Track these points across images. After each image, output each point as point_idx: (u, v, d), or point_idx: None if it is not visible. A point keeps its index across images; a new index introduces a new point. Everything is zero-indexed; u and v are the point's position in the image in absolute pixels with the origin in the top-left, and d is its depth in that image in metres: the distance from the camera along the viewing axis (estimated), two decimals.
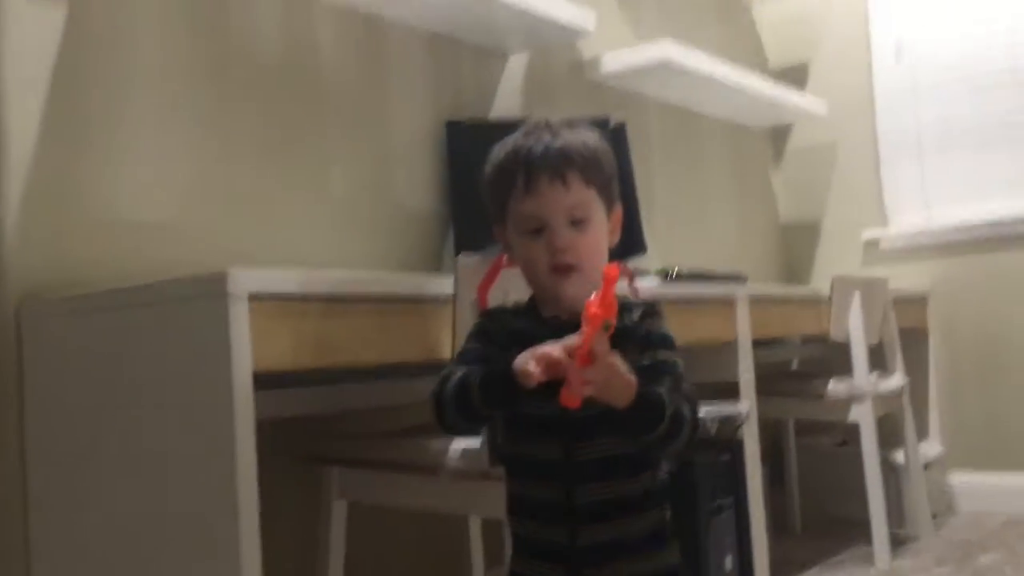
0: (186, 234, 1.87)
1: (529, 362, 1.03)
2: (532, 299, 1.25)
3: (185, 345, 1.35)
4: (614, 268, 1.03)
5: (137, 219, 1.79)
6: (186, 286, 1.34)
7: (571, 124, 1.23)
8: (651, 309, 1.21)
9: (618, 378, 1.05)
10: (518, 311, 1.25)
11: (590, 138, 1.22)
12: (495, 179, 1.22)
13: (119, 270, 1.72)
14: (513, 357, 1.06)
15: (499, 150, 1.23)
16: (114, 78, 1.78)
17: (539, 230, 1.18)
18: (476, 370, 1.15)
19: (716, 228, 3.51)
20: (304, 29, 2.14)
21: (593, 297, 1.02)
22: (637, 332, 1.17)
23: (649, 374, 1.12)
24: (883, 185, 3.65)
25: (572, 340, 1.03)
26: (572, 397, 1.02)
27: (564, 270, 1.17)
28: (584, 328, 1.01)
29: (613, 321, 1.01)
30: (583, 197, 1.18)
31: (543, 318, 1.21)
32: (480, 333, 1.24)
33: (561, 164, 1.17)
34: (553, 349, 1.03)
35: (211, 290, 1.29)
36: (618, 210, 1.26)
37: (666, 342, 1.19)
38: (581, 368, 1.01)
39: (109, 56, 1.77)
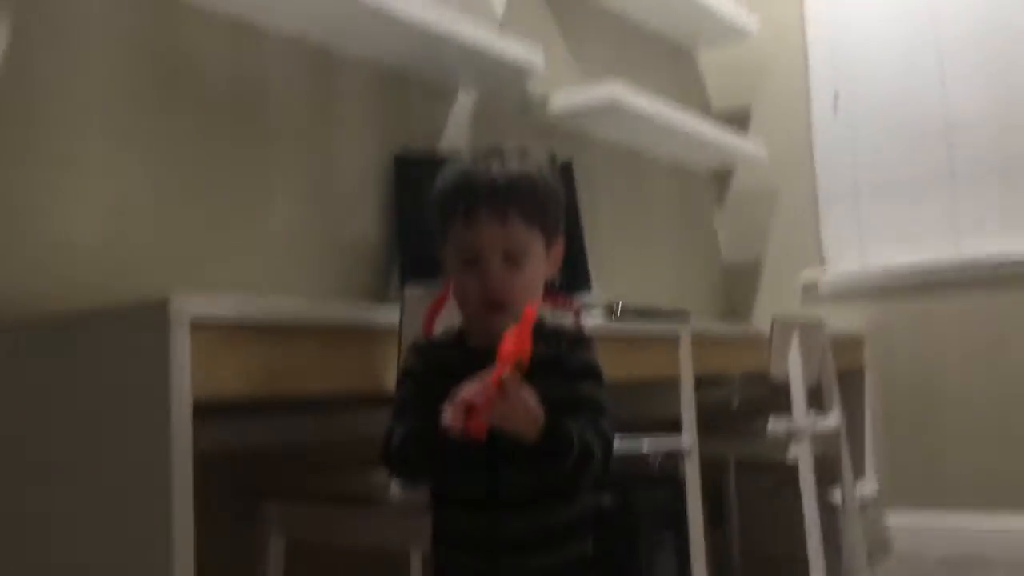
0: (123, 260, 1.84)
1: (447, 414, 1.02)
2: (461, 328, 1.25)
3: (122, 373, 1.31)
4: (532, 309, 1.03)
5: (72, 243, 1.76)
6: (126, 311, 1.31)
7: (523, 154, 1.22)
8: (580, 339, 1.21)
9: (525, 412, 1.04)
10: (445, 341, 1.25)
11: (538, 172, 1.21)
12: (440, 203, 1.22)
13: (52, 295, 1.68)
14: (440, 404, 1.05)
15: (448, 172, 1.23)
16: (55, 100, 1.75)
17: (474, 261, 1.18)
18: (412, 430, 1.15)
19: (660, 266, 3.55)
20: (253, 58, 2.13)
21: (510, 333, 1.03)
22: (564, 362, 1.18)
23: (568, 405, 1.13)
24: (821, 229, 3.74)
25: (484, 376, 1.03)
26: (478, 429, 1.02)
27: (495, 306, 1.17)
28: (497, 364, 1.02)
29: (526, 360, 1.02)
30: (521, 236, 1.17)
31: (469, 348, 1.21)
32: (407, 376, 1.24)
33: (502, 201, 1.16)
34: (467, 392, 1.03)
35: (152, 316, 1.26)
36: (559, 243, 1.25)
37: (591, 373, 1.19)
38: (492, 400, 1.02)
39: (50, 77, 1.75)
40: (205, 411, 1.37)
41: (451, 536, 1.20)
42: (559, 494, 1.17)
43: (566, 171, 2.64)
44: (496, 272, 1.16)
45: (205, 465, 1.40)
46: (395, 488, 1.56)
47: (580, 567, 1.19)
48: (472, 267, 1.18)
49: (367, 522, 1.64)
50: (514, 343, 1.02)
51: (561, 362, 1.17)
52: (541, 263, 1.21)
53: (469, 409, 1.01)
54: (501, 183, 1.17)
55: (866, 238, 3.65)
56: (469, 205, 1.17)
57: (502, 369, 1.01)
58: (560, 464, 1.09)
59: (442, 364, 1.19)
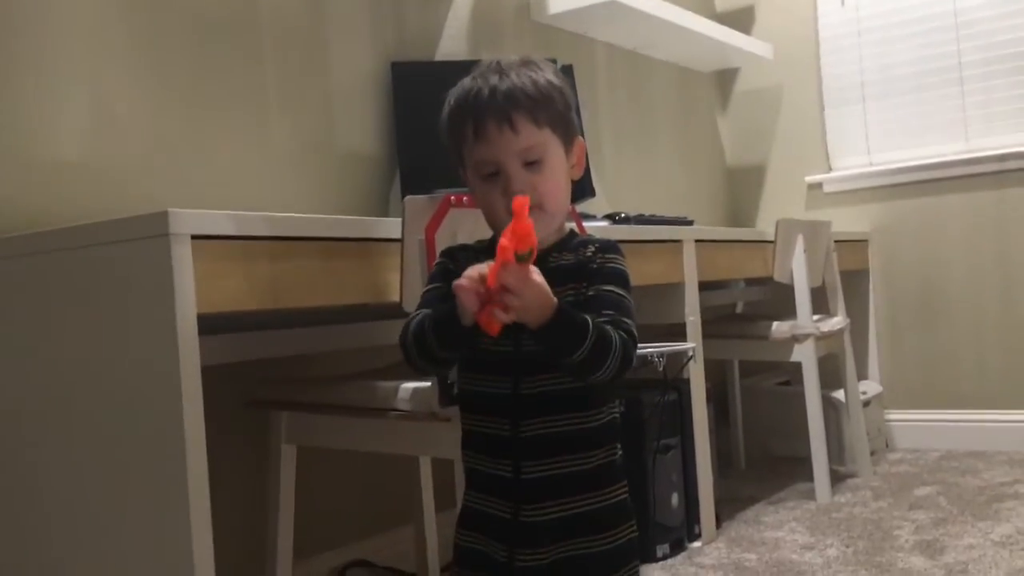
0: (121, 179, 1.82)
1: (460, 282, 1.05)
2: (493, 238, 1.24)
3: (125, 289, 1.31)
4: (521, 198, 1.02)
5: (70, 162, 1.74)
6: (125, 227, 1.30)
7: (524, 62, 1.21)
8: (607, 245, 1.22)
9: (534, 297, 1.04)
10: (480, 249, 1.25)
11: (541, 76, 1.19)
12: (448, 127, 1.22)
13: (50, 213, 1.67)
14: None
15: (451, 95, 1.22)
16: (45, 20, 1.71)
17: (495, 174, 1.17)
18: (428, 315, 1.16)
19: (663, 172, 3.52)
20: None
21: (506, 228, 1.03)
22: (588, 266, 1.19)
23: (590, 303, 1.14)
24: (826, 129, 3.70)
25: (485, 269, 1.04)
26: (490, 323, 1.04)
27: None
28: (496, 259, 1.02)
29: (527, 250, 1.01)
30: (535, 139, 1.17)
31: None
32: (441, 273, 1.24)
33: (508, 108, 1.15)
34: (472, 270, 1.05)
35: (152, 231, 1.25)
36: (580, 143, 1.25)
37: (616, 277, 1.19)
38: (496, 295, 1.03)
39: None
40: (211, 324, 1.38)
41: (477, 441, 1.22)
42: (582, 401, 1.18)
43: (566, 75, 2.59)
44: (518, 178, 1.16)
45: (214, 378, 1.42)
46: (402, 397, 1.58)
47: (602, 476, 1.20)
48: (494, 180, 1.18)
49: (376, 430, 1.66)
50: (508, 237, 1.01)
51: (587, 268, 1.18)
52: (562, 164, 1.20)
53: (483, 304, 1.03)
54: (503, 91, 1.16)
55: (872, 137, 3.60)
56: (476, 120, 1.17)
57: (498, 262, 1.02)
58: (576, 350, 1.08)
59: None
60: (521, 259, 1.02)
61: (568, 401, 1.17)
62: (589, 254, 1.20)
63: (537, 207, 1.15)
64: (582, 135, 1.27)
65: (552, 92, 1.19)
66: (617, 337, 1.11)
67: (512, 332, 1.12)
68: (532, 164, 1.17)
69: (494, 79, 1.17)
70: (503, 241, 1.02)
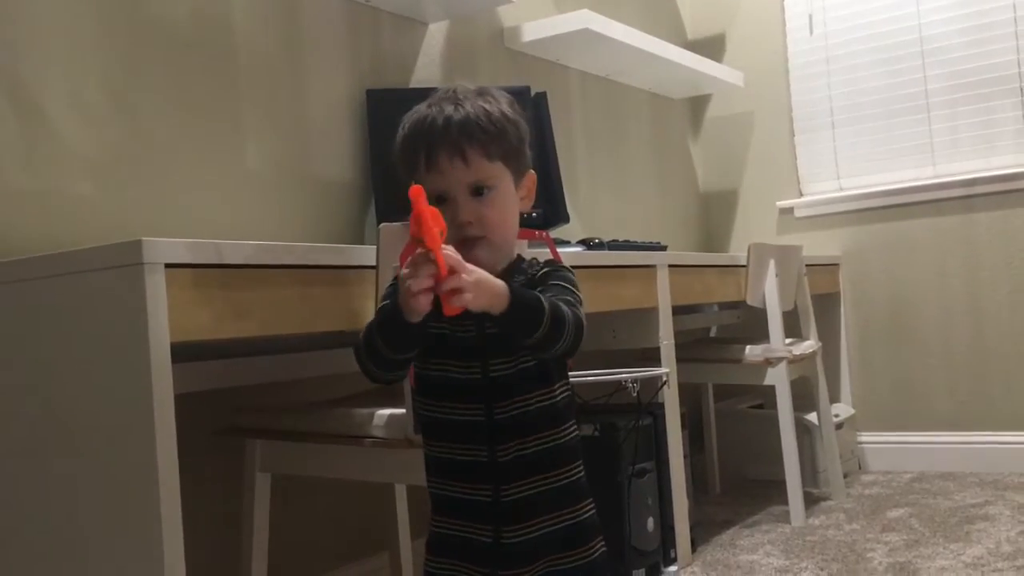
0: (93, 206, 1.81)
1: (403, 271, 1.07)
2: None
3: (98, 317, 1.31)
4: (416, 187, 1.04)
5: (41, 189, 1.73)
6: (98, 255, 1.30)
7: (480, 92, 1.23)
8: (553, 262, 1.28)
9: (486, 282, 1.07)
10: None
11: (495, 107, 1.21)
12: (401, 153, 1.24)
13: (23, 241, 1.66)
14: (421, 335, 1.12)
15: (405, 120, 1.24)
16: (17, 43, 1.71)
17: (443, 199, 1.19)
18: (377, 314, 1.19)
19: (637, 197, 3.55)
20: None
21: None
22: (537, 277, 1.23)
23: (541, 290, 1.18)
24: (797, 155, 3.75)
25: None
26: (450, 307, 1.06)
27: (470, 242, 1.19)
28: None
29: (422, 236, 1.04)
30: (486, 172, 1.19)
31: None
32: (396, 291, 1.24)
33: (461, 141, 1.17)
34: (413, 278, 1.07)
35: (125, 259, 1.25)
36: (531, 175, 1.27)
37: (560, 277, 1.23)
38: (445, 280, 1.04)
39: (13, 18, 1.70)
40: (185, 352, 1.37)
41: (447, 468, 1.22)
42: (552, 418, 1.20)
43: (540, 102, 2.61)
44: (465, 208, 1.18)
45: (187, 406, 1.41)
46: (377, 424, 1.58)
47: (579, 492, 1.23)
48: (442, 207, 1.18)
49: (351, 457, 1.66)
50: (411, 224, 1.04)
51: (537, 280, 1.22)
52: (511, 196, 1.23)
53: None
54: (456, 122, 1.17)
55: (841, 162, 3.66)
56: (429, 149, 1.18)
57: (428, 247, 1.03)
58: (537, 327, 1.10)
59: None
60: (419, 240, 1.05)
61: (540, 421, 1.20)
62: (535, 271, 1.24)
63: (483, 237, 1.19)
64: (533, 168, 1.29)
65: (506, 125, 1.21)
66: (567, 308, 1.14)
67: (479, 355, 1.16)
68: (481, 194, 1.19)
69: (449, 109, 1.19)
70: (412, 230, 1.04)
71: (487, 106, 1.20)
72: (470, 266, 1.06)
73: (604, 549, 1.25)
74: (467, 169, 1.18)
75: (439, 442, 1.24)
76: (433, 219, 1.04)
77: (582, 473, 1.25)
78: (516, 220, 1.25)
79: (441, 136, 1.18)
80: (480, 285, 1.06)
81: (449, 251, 1.05)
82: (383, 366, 1.18)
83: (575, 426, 1.26)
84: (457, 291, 1.04)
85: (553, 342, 1.13)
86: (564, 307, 1.14)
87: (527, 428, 1.19)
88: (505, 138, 1.21)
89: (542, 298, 1.12)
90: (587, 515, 1.24)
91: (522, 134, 1.24)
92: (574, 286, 1.22)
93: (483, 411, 1.19)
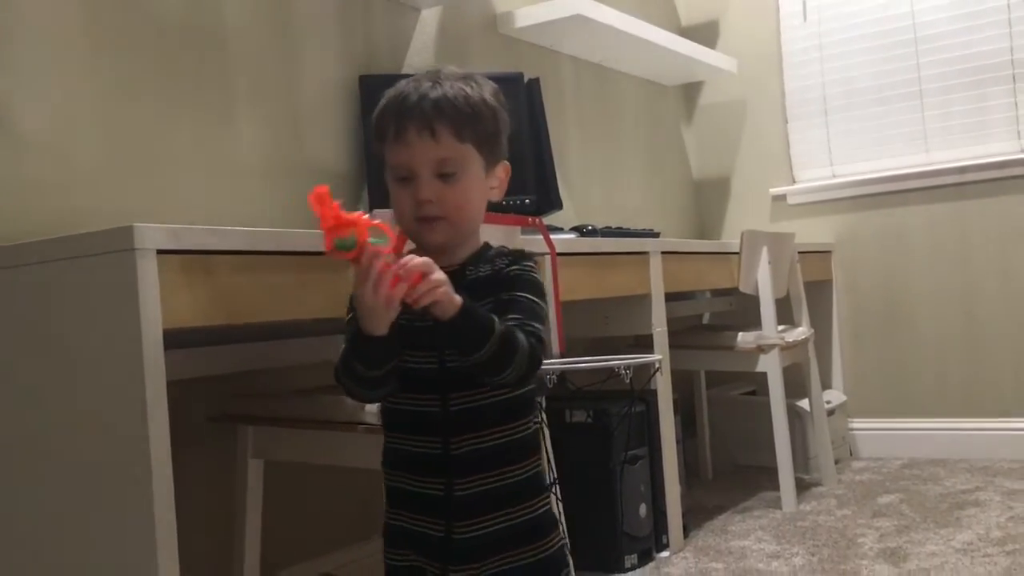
0: (86, 193, 1.81)
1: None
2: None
3: (90, 303, 1.31)
4: (319, 188, 1.03)
5: (33, 177, 1.72)
6: (89, 241, 1.30)
7: (464, 76, 1.22)
8: (520, 255, 1.23)
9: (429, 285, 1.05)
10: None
11: (476, 92, 1.20)
12: (375, 124, 1.23)
13: (15, 229, 1.66)
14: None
15: (385, 95, 1.22)
16: (7, 33, 1.70)
17: (408, 178, 1.18)
18: (346, 337, 1.16)
19: (630, 184, 3.55)
20: None
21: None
22: (503, 274, 1.20)
23: (503, 307, 1.15)
24: (790, 141, 3.75)
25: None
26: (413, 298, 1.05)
27: (428, 221, 1.17)
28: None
29: (348, 236, 1.03)
30: (453, 152, 1.17)
31: None
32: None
33: (432, 116, 1.16)
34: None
35: (116, 245, 1.25)
36: (505, 166, 1.26)
37: (528, 285, 1.20)
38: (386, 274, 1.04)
39: (2, 4, 1.69)
40: (177, 338, 1.37)
41: (403, 460, 1.21)
42: (509, 413, 1.18)
43: (533, 89, 2.61)
44: (427, 185, 1.16)
45: (180, 393, 1.41)
46: (369, 410, 1.58)
47: (535, 487, 1.21)
48: (406, 185, 1.18)
49: (344, 443, 1.66)
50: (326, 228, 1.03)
51: (502, 277, 1.19)
52: (479, 182, 1.21)
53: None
54: (431, 98, 1.17)
55: (834, 150, 3.66)
56: (399, 123, 1.17)
57: (329, 239, 1.03)
58: (480, 348, 1.08)
59: None
60: (342, 246, 1.03)
61: (497, 414, 1.18)
62: (503, 264, 1.21)
63: (442, 218, 1.17)
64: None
65: (483, 110, 1.20)
66: (524, 339, 1.12)
67: (436, 346, 1.15)
68: (446, 176, 1.17)
69: (427, 86, 1.18)
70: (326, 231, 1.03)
71: (467, 89, 1.19)
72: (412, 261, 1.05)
73: (563, 542, 1.24)
74: (435, 145, 1.16)
75: (394, 432, 1.23)
76: (329, 226, 1.02)
77: (540, 467, 1.23)
78: (481, 207, 1.23)
79: (413, 109, 1.16)
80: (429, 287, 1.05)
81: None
82: (363, 385, 1.16)
83: (536, 421, 1.24)
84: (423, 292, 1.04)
85: (498, 369, 1.10)
86: (520, 337, 1.11)
87: (483, 421, 1.17)
88: (479, 122, 1.19)
89: (496, 322, 1.10)
90: (543, 510, 1.21)
91: (499, 123, 1.23)
92: (539, 297, 1.19)
93: (438, 402, 1.17)
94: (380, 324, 1.07)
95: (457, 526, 1.16)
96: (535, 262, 1.23)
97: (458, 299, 1.07)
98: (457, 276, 1.17)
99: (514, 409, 1.20)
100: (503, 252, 1.24)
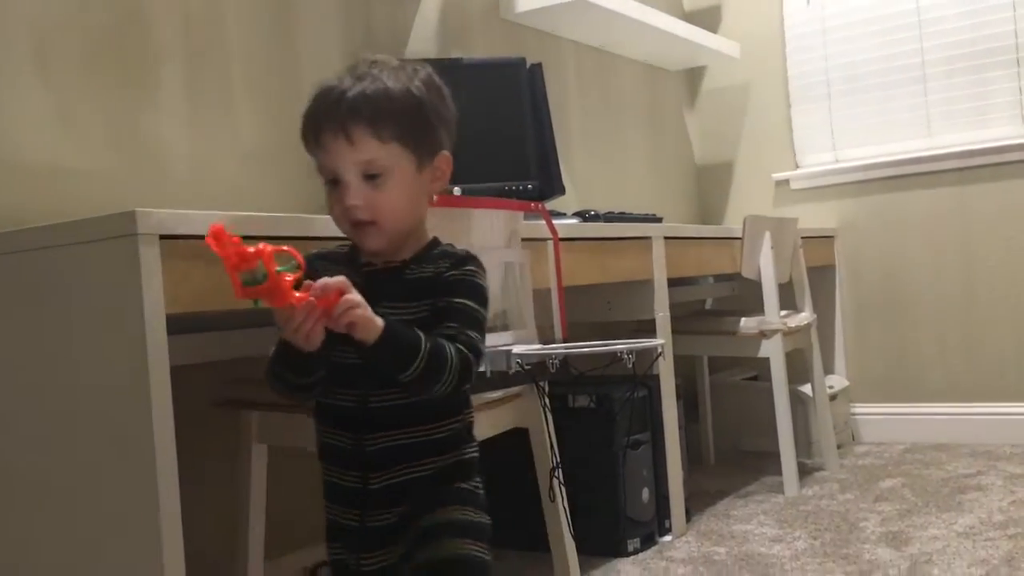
0: (87, 179, 1.81)
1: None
2: (353, 246, 1.22)
3: (94, 289, 1.31)
4: (215, 226, 0.98)
5: (33, 162, 1.72)
6: (92, 227, 1.30)
7: (392, 67, 1.16)
8: (464, 258, 1.18)
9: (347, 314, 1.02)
10: (339, 257, 1.22)
11: (402, 84, 1.14)
12: (301, 128, 1.18)
13: (15, 216, 1.66)
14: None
15: (312, 93, 1.18)
16: (2, 19, 1.69)
17: (335, 181, 1.14)
18: (275, 349, 1.14)
19: (632, 169, 3.54)
20: None
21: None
22: (443, 277, 1.16)
23: (438, 313, 1.13)
24: (793, 126, 3.74)
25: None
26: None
27: (360, 226, 1.14)
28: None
29: (248, 272, 0.99)
30: (375, 154, 1.11)
31: (359, 264, 1.19)
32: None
33: (346, 118, 1.10)
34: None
35: (119, 231, 1.25)
36: (443, 157, 1.19)
37: (467, 289, 1.16)
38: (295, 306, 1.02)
39: None
40: (180, 324, 1.37)
41: (329, 453, 1.20)
42: (431, 413, 1.16)
43: (535, 74, 2.60)
44: (354, 191, 1.12)
45: (184, 378, 1.41)
46: None
47: (459, 474, 1.19)
48: (336, 188, 1.14)
49: None
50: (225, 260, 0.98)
51: (441, 280, 1.15)
52: (411, 181, 1.15)
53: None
54: (348, 98, 1.11)
55: (838, 134, 3.65)
56: (316, 127, 1.13)
57: (234, 273, 0.99)
58: (407, 368, 1.06)
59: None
60: (251, 281, 0.99)
61: (417, 414, 1.16)
62: (445, 267, 1.16)
63: (372, 223, 1.13)
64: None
65: (409, 104, 1.14)
66: (454, 352, 1.09)
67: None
68: (372, 178, 1.12)
69: (348, 83, 1.13)
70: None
71: (391, 83, 1.13)
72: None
73: (486, 537, 1.19)
74: (353, 149, 1.11)
75: (320, 425, 1.22)
76: (231, 264, 0.98)
77: (466, 456, 1.21)
78: (418, 205, 1.18)
79: (328, 112, 1.12)
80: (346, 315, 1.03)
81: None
82: (295, 390, 1.15)
83: (466, 414, 1.22)
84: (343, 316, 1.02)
85: (428, 386, 1.08)
86: (451, 351, 1.08)
87: (400, 419, 1.15)
88: (403, 118, 1.13)
89: (422, 341, 1.07)
90: (469, 509, 1.18)
91: (429, 114, 1.16)
92: (480, 303, 1.16)
93: (357, 398, 1.16)
94: (308, 348, 1.05)
95: (370, 514, 1.16)
96: (480, 266, 1.19)
97: (379, 321, 1.04)
98: (397, 273, 1.16)
99: (437, 409, 1.17)
100: (448, 253, 1.19)
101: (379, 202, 1.12)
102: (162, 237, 1.26)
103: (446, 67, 2.62)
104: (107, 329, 1.29)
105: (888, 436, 3.50)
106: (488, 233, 1.71)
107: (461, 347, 1.10)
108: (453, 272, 1.15)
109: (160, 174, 1.93)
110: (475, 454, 1.22)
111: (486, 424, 1.76)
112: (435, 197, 1.25)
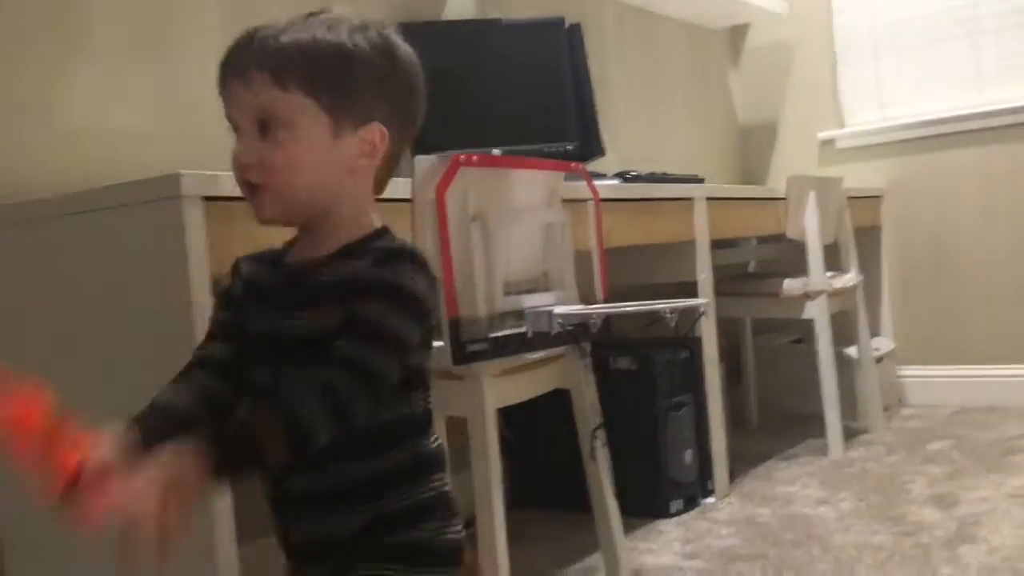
0: (134, 142, 1.83)
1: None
2: (286, 245, 1.04)
3: (138, 252, 1.32)
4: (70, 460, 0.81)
5: (83, 127, 1.74)
6: (137, 189, 1.31)
7: (339, 20, 0.98)
8: (389, 254, 0.94)
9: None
10: (266, 256, 1.03)
11: (329, 35, 0.96)
12: None
13: (69, 178, 1.68)
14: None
15: None
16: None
17: (237, 130, 0.98)
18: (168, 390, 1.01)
19: (675, 129, 3.50)
20: None
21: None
22: (360, 282, 0.91)
23: (341, 326, 0.90)
24: (839, 84, 3.66)
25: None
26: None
27: (250, 189, 0.95)
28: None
29: (65, 488, 0.81)
30: (273, 101, 0.93)
31: (284, 263, 1.00)
32: (222, 296, 1.04)
33: (247, 60, 0.95)
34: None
35: (163, 193, 1.26)
36: (378, 129, 0.98)
37: (380, 291, 0.91)
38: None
39: None
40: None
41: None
42: (350, 498, 0.94)
43: (575, 34, 2.57)
44: (248, 147, 0.95)
45: None
46: None
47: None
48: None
49: None
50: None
51: (357, 283, 0.91)
52: (320, 143, 0.94)
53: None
54: (256, 42, 0.96)
55: (884, 92, 3.57)
56: (223, 66, 0.98)
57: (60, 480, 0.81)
58: (287, 442, 0.85)
59: (249, 281, 1.01)
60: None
61: (333, 498, 0.95)
62: (366, 265, 0.93)
63: (262, 186, 0.94)
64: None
65: (331, 54, 0.95)
66: (317, 393, 0.86)
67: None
68: (268, 132, 0.94)
69: (265, 30, 0.97)
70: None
71: (319, 32, 0.96)
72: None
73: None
74: (248, 94, 0.94)
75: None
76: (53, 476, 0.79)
77: (415, 541, 0.96)
78: (331, 177, 0.95)
79: (232, 54, 0.97)
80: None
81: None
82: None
83: (403, 454, 0.96)
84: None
85: (306, 446, 0.86)
86: (316, 397, 0.85)
87: (313, 456, 0.89)
88: (318, 68, 0.94)
89: (254, 427, 0.86)
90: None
91: (357, 71, 0.96)
92: (397, 311, 0.91)
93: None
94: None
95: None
96: (418, 265, 0.94)
97: (195, 470, 0.82)
98: (308, 273, 0.95)
99: (357, 494, 0.94)
100: (380, 248, 0.95)
101: (273, 160, 0.93)
102: (205, 199, 1.27)
103: (485, 28, 2.58)
104: (152, 291, 1.31)
105: (936, 399, 3.45)
106: (528, 193, 1.71)
107: (334, 376, 0.87)
108: (373, 271, 0.92)
109: (203, 136, 1.95)
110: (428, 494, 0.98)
111: (528, 385, 1.76)
112: (379, 183, 1.04)
